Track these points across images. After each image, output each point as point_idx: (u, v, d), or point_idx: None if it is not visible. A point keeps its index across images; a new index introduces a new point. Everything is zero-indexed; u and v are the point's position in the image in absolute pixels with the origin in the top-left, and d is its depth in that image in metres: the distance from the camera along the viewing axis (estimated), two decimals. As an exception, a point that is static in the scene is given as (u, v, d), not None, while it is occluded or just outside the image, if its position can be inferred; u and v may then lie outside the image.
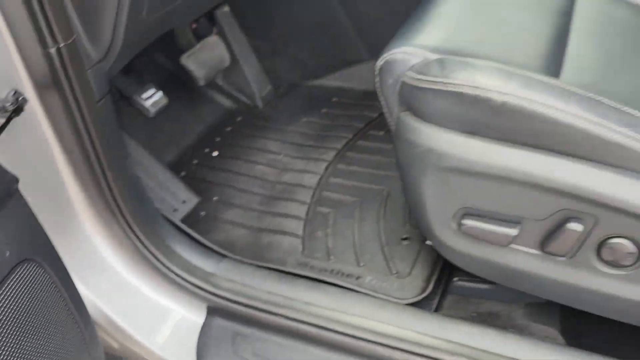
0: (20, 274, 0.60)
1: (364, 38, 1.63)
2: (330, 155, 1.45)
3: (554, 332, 0.99)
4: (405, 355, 0.95)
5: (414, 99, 0.85)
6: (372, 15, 1.58)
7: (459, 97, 0.79)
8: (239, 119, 1.62)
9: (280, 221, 1.28)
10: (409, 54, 0.87)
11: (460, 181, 0.85)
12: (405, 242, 1.18)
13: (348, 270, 1.13)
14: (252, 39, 1.66)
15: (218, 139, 1.55)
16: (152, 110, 1.20)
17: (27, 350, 0.64)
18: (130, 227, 1.04)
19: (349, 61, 1.68)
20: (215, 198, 1.38)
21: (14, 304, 0.62)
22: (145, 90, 1.19)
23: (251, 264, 1.13)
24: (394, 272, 1.12)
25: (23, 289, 0.60)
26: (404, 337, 0.95)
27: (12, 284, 0.59)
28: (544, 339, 0.97)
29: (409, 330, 0.95)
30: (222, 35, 1.58)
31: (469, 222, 0.88)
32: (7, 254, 0.58)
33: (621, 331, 0.94)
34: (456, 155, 0.83)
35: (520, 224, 0.85)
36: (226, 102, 1.66)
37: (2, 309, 0.60)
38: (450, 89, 0.80)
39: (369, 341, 0.97)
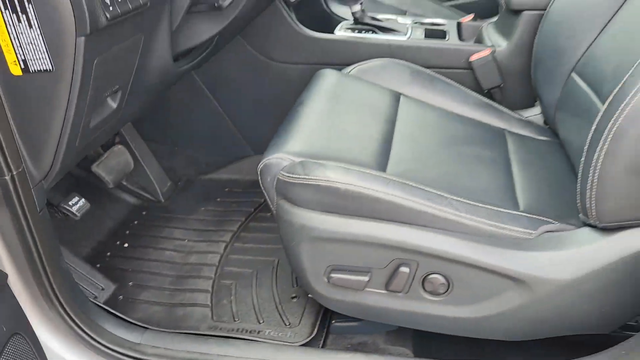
0: (13, 345, 0.81)
1: (247, 138, 1.99)
2: (227, 236, 1.73)
3: (407, 351, 1.32)
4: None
5: (286, 191, 1.18)
6: (252, 122, 1.95)
7: (317, 188, 1.14)
8: (144, 213, 1.86)
9: (191, 295, 1.53)
10: (280, 158, 1.22)
11: (325, 247, 1.17)
12: (294, 300, 1.47)
13: (251, 328, 1.40)
14: (152, 144, 1.93)
15: (127, 232, 1.78)
16: (78, 215, 1.44)
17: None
18: (67, 312, 1.24)
19: (237, 157, 2.02)
20: (130, 283, 1.58)
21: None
22: (70, 199, 1.44)
23: (170, 332, 1.37)
24: (288, 324, 1.41)
25: (15, 358, 0.80)
26: (299, 370, 1.24)
27: (9, 353, 0.79)
28: (399, 355, 1.31)
29: (301, 364, 1.25)
30: (125, 143, 1.83)
31: (335, 275, 1.20)
32: (4, 329, 0.79)
33: (459, 341, 1.27)
34: (320, 228, 1.16)
35: (370, 272, 1.18)
36: (132, 200, 1.89)
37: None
38: (310, 182, 1.14)
39: (272, 377, 1.24)
